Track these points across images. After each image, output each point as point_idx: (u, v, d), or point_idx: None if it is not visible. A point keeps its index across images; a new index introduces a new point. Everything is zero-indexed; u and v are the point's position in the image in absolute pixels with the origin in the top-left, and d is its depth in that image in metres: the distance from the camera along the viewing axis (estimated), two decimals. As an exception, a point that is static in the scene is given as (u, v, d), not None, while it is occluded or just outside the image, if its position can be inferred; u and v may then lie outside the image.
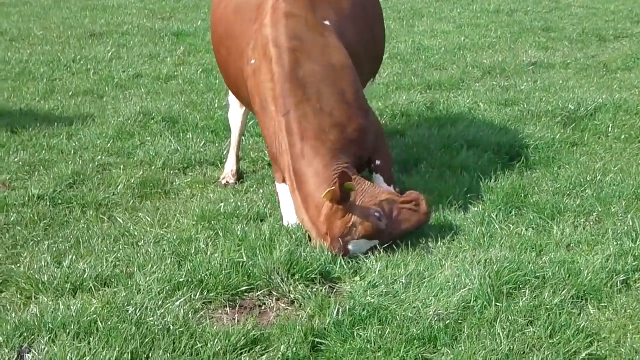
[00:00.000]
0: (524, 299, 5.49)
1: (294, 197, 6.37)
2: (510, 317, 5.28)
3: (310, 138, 6.33)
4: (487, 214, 6.82)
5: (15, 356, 4.92)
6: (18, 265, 6.07)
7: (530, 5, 17.29)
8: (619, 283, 5.76)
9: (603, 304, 5.55)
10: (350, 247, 6.09)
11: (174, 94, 10.59)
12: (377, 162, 6.92)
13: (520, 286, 5.65)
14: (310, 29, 6.79)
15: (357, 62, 7.05)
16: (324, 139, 6.37)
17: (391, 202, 6.29)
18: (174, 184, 7.70)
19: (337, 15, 7.09)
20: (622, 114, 9.46)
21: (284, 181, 6.68)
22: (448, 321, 5.23)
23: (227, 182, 7.76)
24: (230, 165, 7.84)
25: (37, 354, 4.92)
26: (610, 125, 9.12)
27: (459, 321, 5.26)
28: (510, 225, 6.66)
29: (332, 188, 5.96)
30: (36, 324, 5.17)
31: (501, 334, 5.10)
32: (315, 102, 6.47)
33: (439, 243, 6.38)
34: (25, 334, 5.09)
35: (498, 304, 5.41)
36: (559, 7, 17.21)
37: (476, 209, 6.95)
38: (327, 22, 6.95)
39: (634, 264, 5.96)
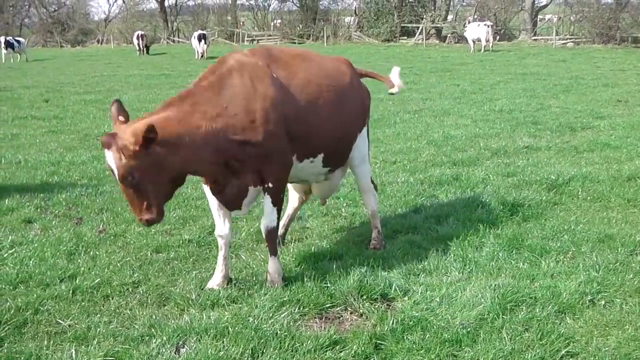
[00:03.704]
0: (522, 313, 5.42)
1: None
2: (512, 326, 5.22)
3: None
4: (495, 253, 6.73)
5: (174, 350, 4.96)
6: (175, 287, 6.11)
7: (523, 107, 17.18)
8: (587, 301, 5.68)
9: (576, 316, 5.47)
10: None
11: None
12: (269, 185, 5.96)
13: (519, 304, 5.57)
14: (256, 71, 5.88)
15: (297, 125, 6.01)
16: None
17: None
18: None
19: (289, 79, 6.05)
20: (587, 182, 9.30)
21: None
22: (469, 329, 5.16)
23: None
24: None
25: (188, 349, 4.96)
26: (580, 190, 8.96)
27: (477, 328, 5.20)
28: (512, 261, 6.57)
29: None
30: (187, 328, 5.22)
31: (506, 337, 5.05)
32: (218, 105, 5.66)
33: (462, 274, 6.31)
34: (180, 335, 5.14)
35: (504, 317, 5.35)
36: (542, 107, 17.08)
37: (488, 249, 6.85)
38: (274, 75, 5.95)
39: (597, 288, 5.87)
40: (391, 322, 5.26)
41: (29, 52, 49.06)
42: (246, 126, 5.70)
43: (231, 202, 6.05)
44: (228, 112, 5.66)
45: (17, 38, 51.37)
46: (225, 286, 6.07)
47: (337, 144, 6.58)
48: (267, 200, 6.06)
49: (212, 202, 6.20)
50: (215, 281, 6.15)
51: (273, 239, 6.18)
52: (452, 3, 63.76)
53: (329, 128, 6.36)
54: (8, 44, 46.85)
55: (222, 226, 6.21)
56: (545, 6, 63.81)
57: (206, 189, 6.18)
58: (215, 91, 5.73)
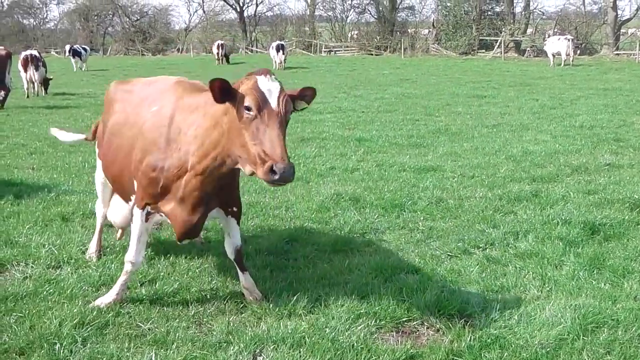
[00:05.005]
0: (603, 335, 5.28)
1: None
2: (593, 348, 5.10)
3: None
4: (576, 272, 6.59)
5: (251, 357, 5.01)
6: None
7: (605, 123, 16.85)
8: (673, 324, 5.50)
9: (662, 341, 5.30)
10: None
11: (357, 181, 10.63)
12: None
13: (601, 325, 5.43)
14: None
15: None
16: None
17: None
18: (356, 243, 7.63)
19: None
20: (673, 202, 9.07)
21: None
22: (548, 349, 5.07)
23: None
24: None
25: (265, 357, 5.00)
26: (665, 211, 8.74)
27: (556, 349, 5.09)
28: (593, 281, 6.41)
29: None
30: (264, 336, 5.25)
31: (586, 359, 4.93)
32: None
33: (541, 292, 6.20)
34: (257, 343, 5.17)
35: (584, 338, 5.22)
36: (625, 124, 16.72)
37: (568, 268, 6.72)
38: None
39: (683, 311, 5.69)
40: (468, 338, 5.21)
41: (111, 59, 49.98)
42: None
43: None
44: None
45: (84, 46, 52.01)
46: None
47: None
48: None
49: (139, 228, 5.90)
50: (104, 300, 5.93)
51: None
52: (531, 16, 63.02)
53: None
54: (75, 52, 47.22)
55: (135, 253, 5.95)
56: (629, 20, 62.56)
57: (139, 213, 5.86)
58: None
